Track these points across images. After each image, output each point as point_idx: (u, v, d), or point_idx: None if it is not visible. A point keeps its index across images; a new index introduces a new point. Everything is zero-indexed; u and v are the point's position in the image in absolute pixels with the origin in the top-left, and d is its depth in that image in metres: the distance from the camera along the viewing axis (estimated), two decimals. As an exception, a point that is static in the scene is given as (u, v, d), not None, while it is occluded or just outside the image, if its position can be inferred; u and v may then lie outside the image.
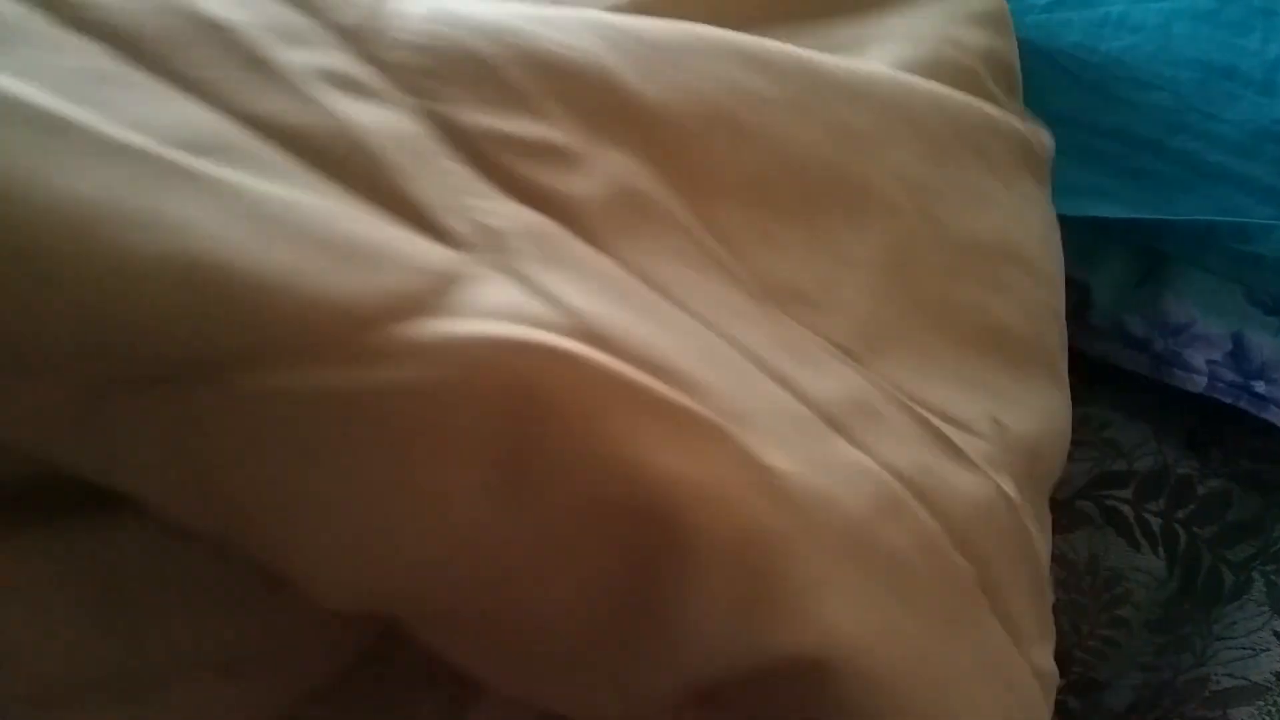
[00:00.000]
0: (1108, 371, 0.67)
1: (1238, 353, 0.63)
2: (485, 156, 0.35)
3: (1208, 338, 0.64)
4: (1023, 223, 0.52)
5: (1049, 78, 0.66)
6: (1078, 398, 0.57)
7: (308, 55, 0.34)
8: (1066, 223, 0.63)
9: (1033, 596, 0.41)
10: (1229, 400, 0.63)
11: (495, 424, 0.29)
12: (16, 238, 0.26)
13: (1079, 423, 0.58)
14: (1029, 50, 0.67)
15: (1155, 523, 0.63)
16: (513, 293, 0.31)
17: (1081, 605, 0.60)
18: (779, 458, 0.33)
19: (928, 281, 0.45)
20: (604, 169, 0.37)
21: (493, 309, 0.30)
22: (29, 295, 0.26)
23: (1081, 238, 0.66)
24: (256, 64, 0.33)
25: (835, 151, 0.44)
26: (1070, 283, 0.67)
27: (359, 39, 0.36)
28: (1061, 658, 0.44)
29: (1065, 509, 0.63)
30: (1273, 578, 0.58)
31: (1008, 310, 0.48)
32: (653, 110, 0.40)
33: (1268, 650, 0.54)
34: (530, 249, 0.33)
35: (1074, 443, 0.55)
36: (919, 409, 0.40)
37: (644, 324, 0.33)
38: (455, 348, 0.28)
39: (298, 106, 0.33)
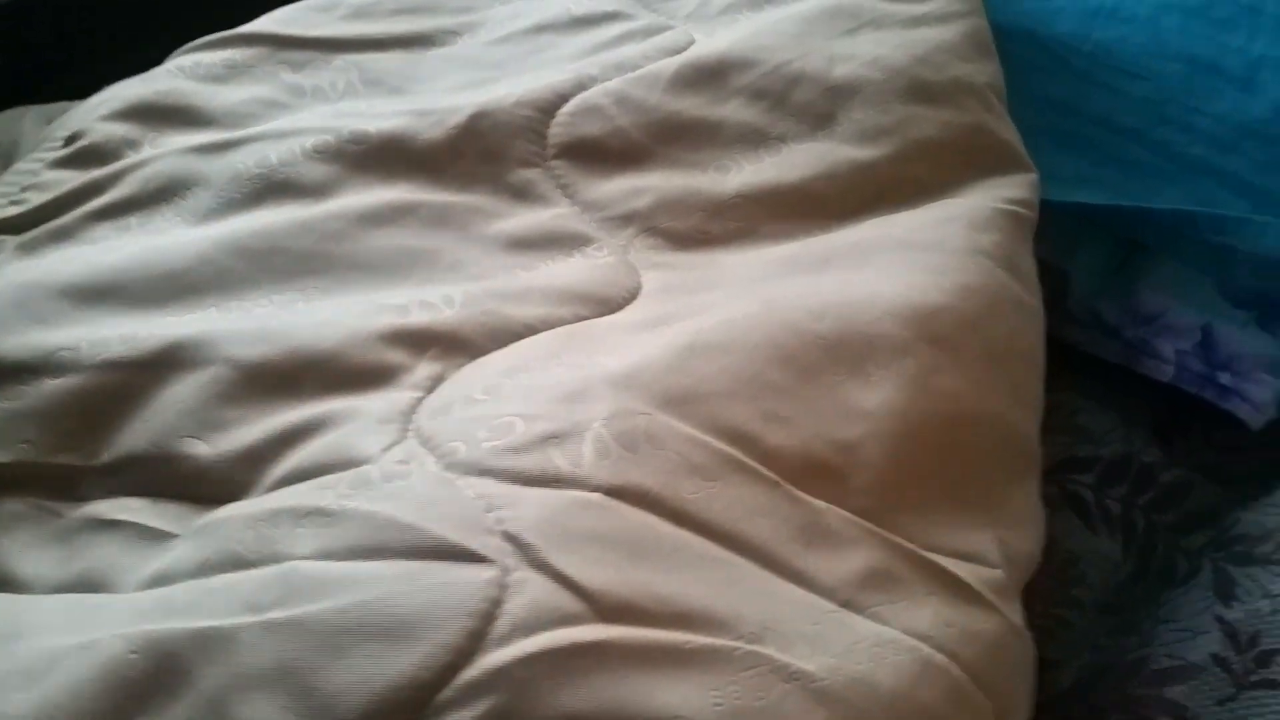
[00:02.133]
0: (1081, 358, 0.69)
1: (1206, 344, 0.65)
2: (493, 469, 0.40)
3: (1178, 328, 0.65)
4: (1034, 320, 0.55)
5: (1039, 63, 0.67)
6: (1051, 384, 0.58)
7: None
8: (1050, 209, 0.64)
9: (1030, 701, 0.45)
10: (1194, 390, 0.65)
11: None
12: None
13: (1050, 409, 0.60)
14: (1020, 36, 0.68)
15: (1115, 508, 0.65)
16: (540, 592, 0.36)
17: (1036, 585, 0.61)
18: (808, 659, 0.36)
19: (946, 406, 0.48)
20: (596, 428, 0.42)
21: (528, 621, 0.35)
22: None
23: (1063, 225, 0.67)
24: None
25: (828, 324, 0.48)
26: (1050, 269, 0.68)
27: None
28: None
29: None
30: (1221, 564, 0.59)
31: (1020, 416, 0.51)
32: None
33: (1207, 633, 0.56)
34: (547, 538, 0.38)
35: (1045, 428, 0.57)
36: (934, 557, 0.43)
37: (661, 573, 0.38)
38: (505, 680, 0.34)
39: None
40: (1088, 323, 0.68)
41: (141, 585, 0.40)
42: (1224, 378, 0.64)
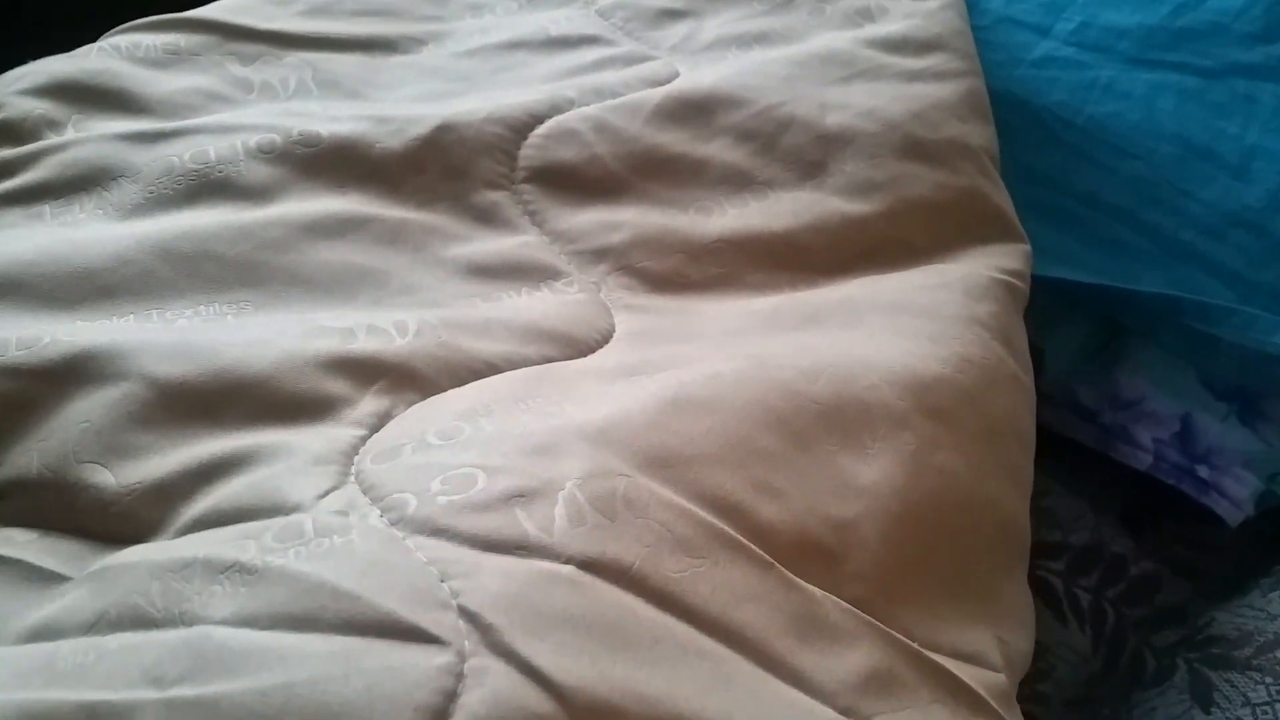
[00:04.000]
0: (1053, 440, 0.66)
1: (1185, 434, 0.62)
2: (449, 530, 0.35)
3: (1157, 416, 0.63)
4: (1029, 398, 0.52)
5: (1029, 133, 0.65)
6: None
7: None
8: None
9: None
10: (1171, 481, 0.62)
11: None
12: None
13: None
14: (1013, 104, 0.66)
15: (1085, 599, 0.62)
16: (503, 684, 0.30)
17: (1003, 676, 0.58)
18: None
19: (945, 487, 0.44)
20: (569, 489, 0.36)
21: (489, 719, 0.30)
22: None
23: (1043, 301, 0.65)
24: None
25: (822, 387, 0.43)
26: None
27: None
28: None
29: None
30: (1196, 666, 0.56)
31: (1016, 500, 0.48)
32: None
33: (1187, 742, 0.53)
34: (512, 618, 0.32)
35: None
36: (935, 657, 0.39)
37: (644, 666, 0.32)
38: None
39: None
40: (1062, 403, 0.66)
41: (22, 637, 0.34)
42: (1202, 471, 0.61)
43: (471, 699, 0.30)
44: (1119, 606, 0.61)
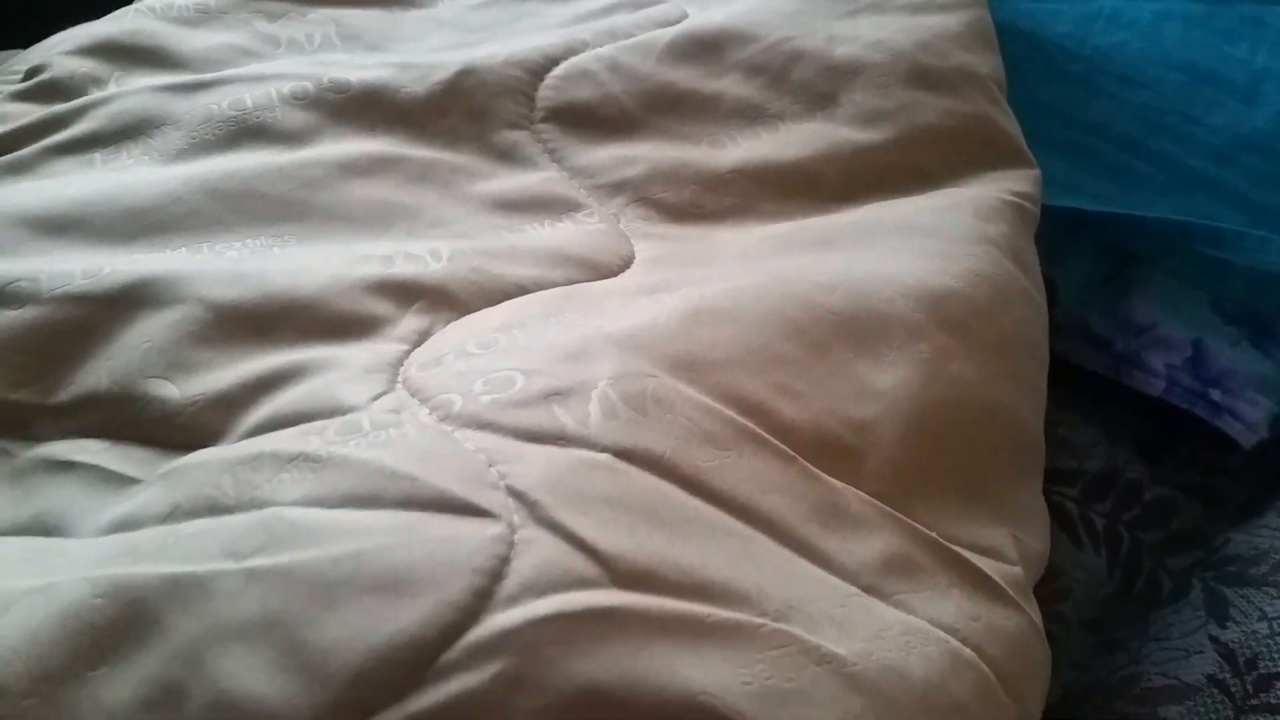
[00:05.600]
0: (1067, 369, 0.67)
1: (1197, 359, 0.63)
2: (493, 424, 0.37)
3: (1169, 341, 0.63)
4: (1040, 314, 0.53)
5: (1035, 66, 0.66)
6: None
7: None
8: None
9: (1041, 709, 0.42)
10: (1185, 405, 0.63)
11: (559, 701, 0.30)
12: None
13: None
14: (1017, 36, 0.67)
15: (1100, 523, 0.62)
16: (552, 552, 0.32)
17: (1020, 597, 0.59)
18: (837, 643, 0.34)
19: (959, 394, 0.45)
20: (602, 387, 0.38)
21: (538, 581, 0.32)
22: None
23: (1052, 232, 0.66)
24: None
25: (839, 299, 0.45)
26: (1037, 276, 0.66)
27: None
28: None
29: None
30: (1211, 584, 0.57)
31: (1029, 410, 0.49)
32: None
33: (1201, 653, 0.53)
34: (556, 496, 0.34)
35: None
36: (955, 548, 0.41)
37: (678, 541, 0.34)
38: (515, 643, 0.30)
39: None
40: (1075, 333, 0.66)
41: (102, 530, 0.36)
42: (1215, 394, 0.62)
43: (523, 564, 0.32)
44: (1134, 531, 0.62)
